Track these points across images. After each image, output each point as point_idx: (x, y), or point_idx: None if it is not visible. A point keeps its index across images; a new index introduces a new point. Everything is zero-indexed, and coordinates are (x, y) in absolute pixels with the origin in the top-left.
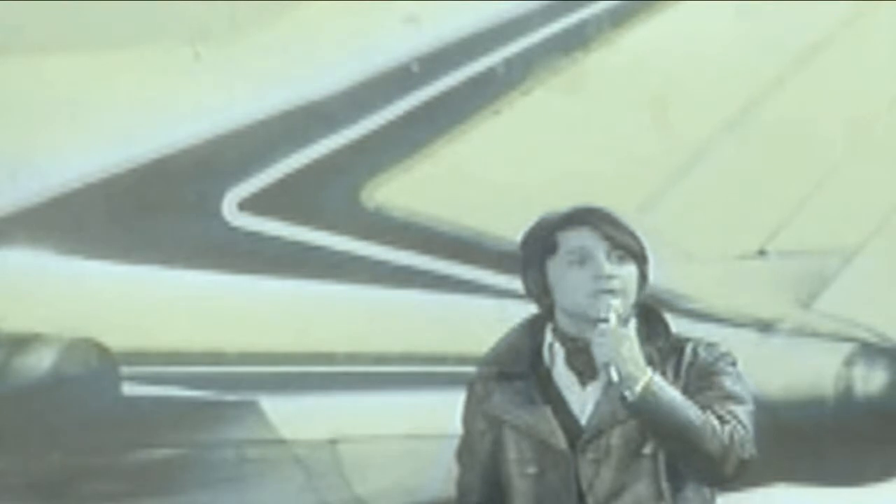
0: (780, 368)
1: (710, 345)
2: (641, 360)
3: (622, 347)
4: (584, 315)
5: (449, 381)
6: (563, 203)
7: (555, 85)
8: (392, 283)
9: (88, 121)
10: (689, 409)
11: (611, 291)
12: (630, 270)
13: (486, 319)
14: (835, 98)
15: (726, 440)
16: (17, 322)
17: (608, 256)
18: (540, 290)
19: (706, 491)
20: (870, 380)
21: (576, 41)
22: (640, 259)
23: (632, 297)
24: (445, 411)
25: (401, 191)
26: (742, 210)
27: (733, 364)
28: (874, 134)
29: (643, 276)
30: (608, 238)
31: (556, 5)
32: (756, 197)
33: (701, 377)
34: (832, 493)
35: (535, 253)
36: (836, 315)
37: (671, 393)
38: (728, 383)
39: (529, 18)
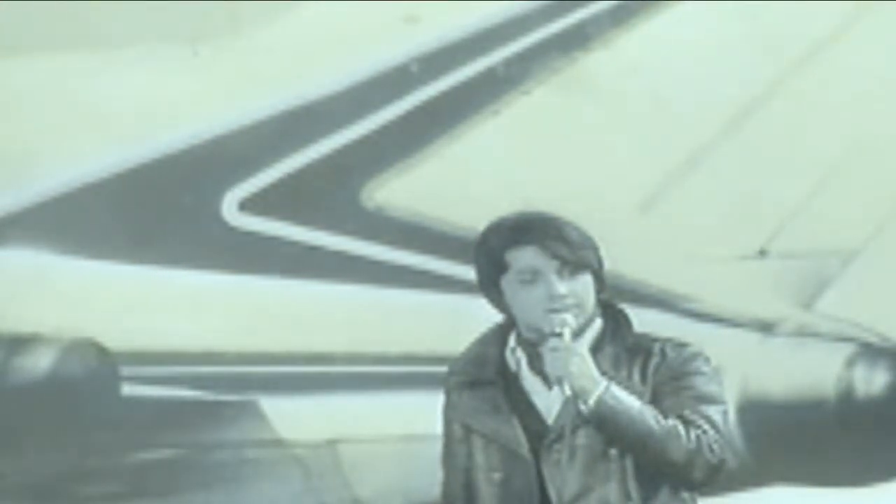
0: (781, 369)
1: (679, 344)
2: (594, 373)
3: (571, 364)
4: (540, 331)
5: None
6: (561, 203)
7: (555, 85)
8: (392, 283)
9: (88, 121)
10: (649, 417)
11: (564, 310)
12: (584, 281)
13: (485, 319)
14: (835, 98)
15: (693, 445)
16: (17, 322)
17: (560, 274)
18: (499, 305)
19: (685, 494)
20: (871, 380)
21: (575, 41)
22: (594, 265)
23: (589, 306)
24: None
25: (401, 191)
26: (742, 210)
27: (707, 362)
28: (874, 134)
29: (599, 280)
30: (557, 256)
31: (555, 5)
32: (756, 197)
33: (673, 378)
34: (833, 494)
35: (488, 271)
36: (836, 316)
37: (628, 402)
38: (700, 384)
39: (529, 18)
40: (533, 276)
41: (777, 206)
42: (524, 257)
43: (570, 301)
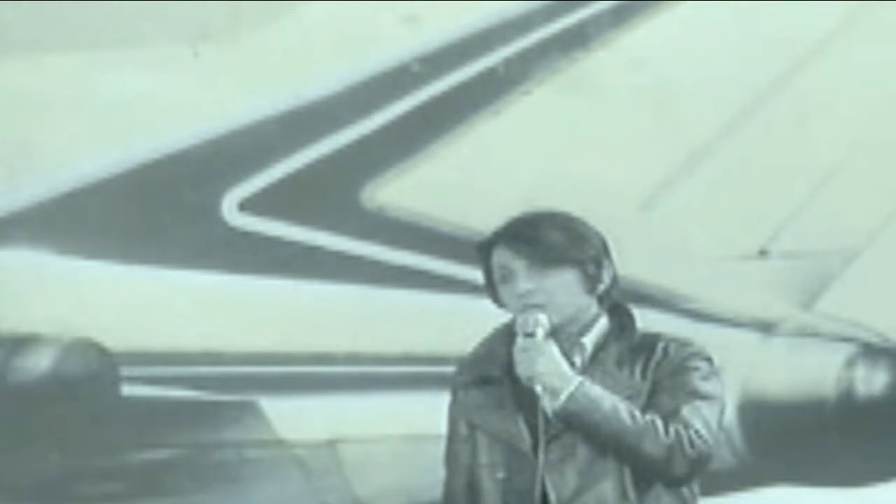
0: (782, 369)
1: (682, 343)
2: (565, 370)
3: (538, 363)
4: (518, 329)
5: (449, 381)
6: (561, 203)
7: (555, 85)
8: (392, 283)
9: (88, 121)
10: (623, 413)
11: (532, 307)
12: (560, 279)
13: (486, 320)
14: (835, 98)
15: (670, 440)
16: (17, 322)
17: (528, 271)
18: (499, 304)
19: (685, 491)
20: (871, 380)
21: (576, 41)
22: (580, 261)
23: (568, 304)
24: (445, 412)
25: (401, 191)
26: (743, 210)
27: (707, 361)
28: (875, 134)
29: (588, 277)
30: (523, 254)
31: (556, 5)
32: (757, 197)
33: (670, 375)
34: (833, 494)
35: (483, 272)
36: (837, 316)
37: (600, 399)
38: (695, 381)
39: (530, 18)
40: (503, 277)
41: (778, 205)
42: (498, 257)
43: (536, 298)
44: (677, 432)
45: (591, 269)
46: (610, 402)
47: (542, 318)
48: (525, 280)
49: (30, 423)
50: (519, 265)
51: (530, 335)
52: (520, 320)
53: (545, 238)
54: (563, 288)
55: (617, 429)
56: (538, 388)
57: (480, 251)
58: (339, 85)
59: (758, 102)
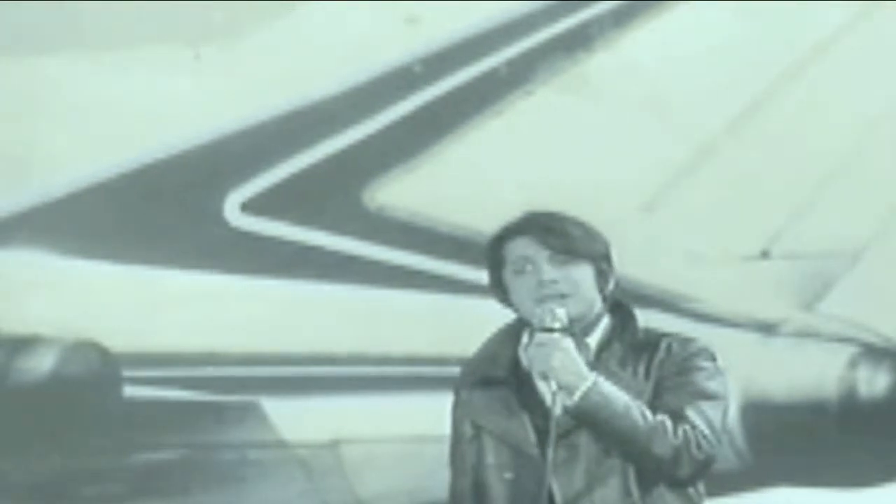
0: (784, 370)
1: (686, 340)
2: (580, 368)
3: (553, 359)
4: (535, 323)
5: (451, 382)
6: (563, 203)
7: (557, 85)
8: (394, 284)
9: (89, 122)
10: (635, 412)
11: (554, 297)
12: (580, 272)
13: (488, 320)
14: (837, 99)
15: (678, 441)
16: (18, 323)
17: (551, 262)
18: (505, 302)
19: (691, 491)
20: (873, 382)
21: (578, 42)
22: (595, 257)
23: (587, 298)
24: (447, 413)
25: (403, 192)
26: (745, 211)
27: (711, 359)
28: (877, 135)
29: (601, 273)
30: (548, 245)
31: (558, 6)
32: (759, 198)
33: (674, 374)
34: (835, 495)
35: (490, 268)
36: (839, 317)
37: (614, 397)
38: (700, 380)
39: (532, 19)
40: (524, 267)
41: (779, 207)
42: (517, 248)
43: (560, 287)
44: (685, 434)
45: (604, 266)
46: (623, 401)
47: (561, 313)
48: (549, 269)
49: (31, 424)
50: (543, 254)
51: (548, 329)
52: (537, 312)
53: (568, 230)
54: (583, 280)
55: (629, 428)
56: (552, 385)
57: (493, 244)
58: (340, 86)
59: (759, 103)
